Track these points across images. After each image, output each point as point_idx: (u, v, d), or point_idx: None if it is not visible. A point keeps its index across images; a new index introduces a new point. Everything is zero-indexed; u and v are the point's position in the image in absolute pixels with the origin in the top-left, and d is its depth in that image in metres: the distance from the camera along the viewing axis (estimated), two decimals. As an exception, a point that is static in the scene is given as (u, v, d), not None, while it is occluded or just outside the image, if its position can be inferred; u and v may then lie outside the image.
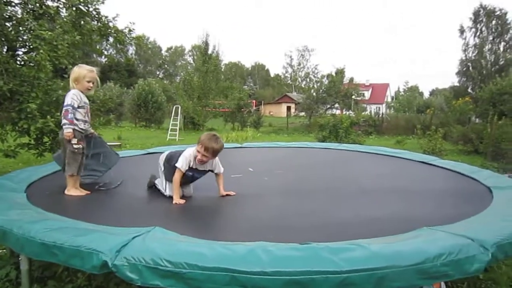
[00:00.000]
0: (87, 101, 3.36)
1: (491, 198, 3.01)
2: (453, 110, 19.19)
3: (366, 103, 38.98)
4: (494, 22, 31.49)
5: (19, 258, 2.17)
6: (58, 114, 6.10)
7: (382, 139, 17.84)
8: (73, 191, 3.21)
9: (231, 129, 21.71)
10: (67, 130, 3.15)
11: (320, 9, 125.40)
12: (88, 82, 3.27)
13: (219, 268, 1.59)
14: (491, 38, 31.67)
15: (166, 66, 76.58)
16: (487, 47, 31.81)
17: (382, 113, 24.53)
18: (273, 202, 3.13)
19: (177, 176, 3.00)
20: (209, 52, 22.28)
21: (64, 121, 3.18)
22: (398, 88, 68.32)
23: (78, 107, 3.22)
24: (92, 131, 3.63)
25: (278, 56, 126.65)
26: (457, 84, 33.95)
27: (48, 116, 5.83)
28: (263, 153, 5.92)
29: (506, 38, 31.56)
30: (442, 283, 2.44)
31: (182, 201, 3.00)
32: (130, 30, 8.43)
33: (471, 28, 32.30)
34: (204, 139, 2.98)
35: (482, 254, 1.85)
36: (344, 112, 26.14)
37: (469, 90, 31.76)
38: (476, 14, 31.84)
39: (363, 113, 22.38)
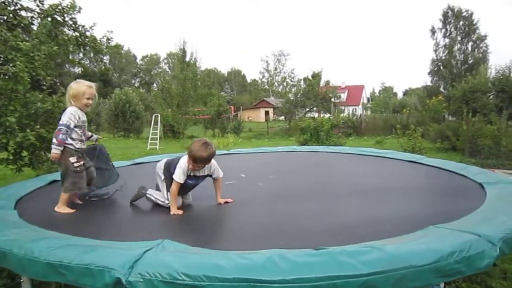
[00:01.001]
0: (85, 119, 3.21)
1: (485, 193, 3.08)
2: (428, 109, 19.76)
3: (343, 105, 39.58)
4: (461, 22, 32.67)
5: (21, 280, 2.06)
6: (38, 127, 5.92)
7: (362, 140, 18.14)
8: (63, 208, 3.06)
9: (212, 136, 21.62)
10: (54, 151, 3.02)
11: (294, 14, 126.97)
12: (88, 99, 3.13)
13: (239, 278, 1.56)
14: (459, 38, 32.82)
15: (141, 74, 75.65)
16: (456, 47, 32.94)
17: (361, 114, 24.95)
18: (273, 207, 3.11)
19: (174, 188, 2.93)
20: (187, 59, 22.14)
21: (53, 140, 3.03)
22: (373, 89, 69.79)
23: (75, 126, 3.08)
24: (97, 143, 3.55)
25: (254, 61, 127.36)
26: (430, 84, 34.98)
27: (28, 130, 5.64)
28: (252, 159, 5.90)
29: (473, 38, 32.77)
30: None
31: (180, 212, 2.94)
32: (108, 39, 8.30)
33: (441, 29, 33.43)
34: (193, 149, 2.89)
35: (490, 250, 1.88)
36: (322, 115, 26.48)
37: (441, 89, 32.75)
38: (445, 15, 32.98)
39: (341, 115, 22.72)
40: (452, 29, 33.04)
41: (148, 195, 3.22)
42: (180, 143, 17.66)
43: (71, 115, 3.06)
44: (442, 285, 2.61)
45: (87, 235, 2.21)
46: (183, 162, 2.99)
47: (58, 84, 9.93)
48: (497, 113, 13.98)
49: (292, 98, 26.41)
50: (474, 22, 32.55)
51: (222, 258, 1.70)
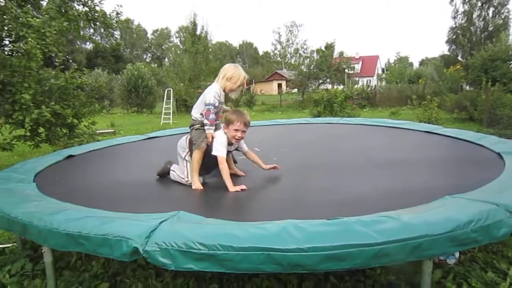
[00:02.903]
0: (223, 100, 3.13)
1: (503, 163, 3.01)
2: (445, 79, 19.25)
3: (357, 76, 38.89)
4: (482, -13, 31.26)
5: (42, 251, 2.13)
6: (53, 103, 5.99)
7: (376, 111, 17.89)
8: (198, 184, 2.99)
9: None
10: (209, 131, 2.96)
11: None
12: (238, 87, 3.06)
13: (254, 247, 1.58)
14: (480, 4, 31.49)
15: (153, 49, 75.30)
16: (476, 13, 31.66)
17: (375, 85, 24.49)
18: (288, 180, 3.10)
19: (224, 164, 2.87)
20: (198, 32, 21.86)
21: (205, 121, 2.96)
22: (388, 60, 68.15)
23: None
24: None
25: (266, 33, 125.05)
26: (447, 53, 33.95)
27: (43, 106, 5.71)
28: (265, 132, 5.86)
29: (495, 3, 31.39)
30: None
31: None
32: (117, 14, 8.22)
33: (460, -6, 32.05)
34: (238, 116, 2.92)
35: (508, 219, 1.86)
36: (335, 87, 26.10)
37: (459, 58, 31.79)
38: (465, -20, 31.55)
39: (355, 87, 22.35)
40: (472, -6, 31.67)
41: (171, 171, 3.19)
42: (193, 117, 17.67)
43: (216, 93, 2.97)
44: (457, 254, 2.61)
45: (103, 207, 2.25)
46: (222, 138, 2.94)
47: (71, 61, 9.96)
48: (518, 82, 13.56)
49: (305, 70, 25.99)
50: (496, -14, 31.13)
51: (237, 228, 1.72)
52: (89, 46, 44.32)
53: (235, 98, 23.08)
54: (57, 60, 6.74)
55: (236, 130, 2.93)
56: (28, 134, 5.98)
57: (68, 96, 6.61)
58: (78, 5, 7.65)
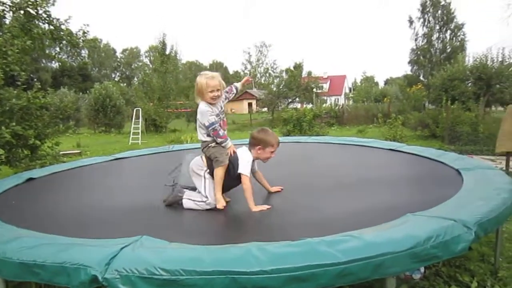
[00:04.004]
0: (218, 110, 2.99)
1: (461, 179, 3.13)
2: (408, 97, 20.03)
3: (326, 95, 39.80)
4: (439, 11, 33.13)
5: (-5, 282, 2.01)
6: (14, 124, 5.76)
7: (344, 130, 18.29)
8: (223, 202, 2.90)
9: (194, 129, 21.45)
10: (229, 145, 2.94)
11: (275, 4, 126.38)
12: (211, 92, 2.88)
13: (218, 271, 1.55)
14: (438, 27, 33.31)
15: (122, 68, 74.40)
16: (435, 35, 33.44)
17: (343, 104, 25.13)
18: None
19: (249, 183, 2.83)
20: (167, 52, 21.83)
21: (219, 140, 2.91)
22: (355, 79, 70.37)
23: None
24: None
25: (236, 53, 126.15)
26: (410, 73, 35.47)
27: (3, 127, 5.49)
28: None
29: (452, 27, 33.29)
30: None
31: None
32: (84, 32, 8.11)
33: (419, 18, 33.84)
34: (274, 138, 2.99)
35: (466, 234, 1.92)
36: (304, 106, 26.58)
37: (421, 77, 33.26)
38: (423, 4, 33.39)
39: (324, 105, 22.85)
40: (431, 18, 33.50)
41: (186, 199, 2.94)
42: (162, 137, 17.48)
43: (207, 111, 2.89)
44: (422, 269, 2.67)
45: (62, 233, 2.16)
46: (248, 156, 2.94)
47: (35, 79, 9.68)
48: (475, 100, 14.27)
49: (274, 89, 26.38)
50: (452, 11, 33.08)
51: (200, 251, 1.69)
52: (55, 64, 43.30)
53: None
54: (19, 79, 6.52)
55: (272, 152, 2.98)
56: (-14, 156, 5.71)
57: (31, 116, 6.38)
58: (43, 23, 7.51)
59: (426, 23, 33.64)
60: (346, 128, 18.84)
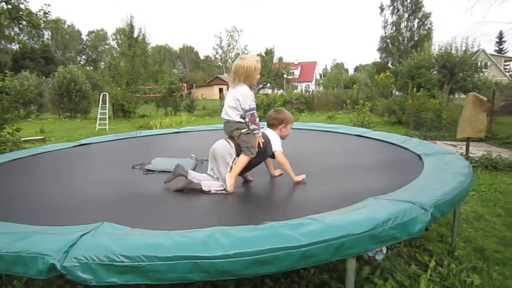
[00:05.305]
0: None
1: (422, 164, 3.25)
2: (377, 84, 20.46)
3: (297, 82, 40.01)
4: (408, 0, 33.79)
5: None
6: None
7: (314, 116, 18.50)
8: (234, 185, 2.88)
9: (164, 114, 21.11)
10: (259, 135, 2.97)
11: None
12: (258, 75, 2.96)
13: (180, 256, 1.54)
14: (406, 15, 34.00)
15: (87, 51, 71.70)
16: (403, 24, 34.15)
17: (313, 90, 25.34)
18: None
19: (285, 158, 3.04)
20: (135, 35, 21.15)
21: (253, 126, 2.92)
22: (325, 66, 71.04)
23: None
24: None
25: (207, 37, 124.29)
26: (379, 60, 36.18)
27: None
28: (202, 137, 5.80)
29: (419, 16, 34.07)
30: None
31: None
32: (45, 13, 7.75)
33: (389, 6, 34.40)
34: (286, 115, 3.23)
35: (423, 215, 2.00)
36: (275, 92, 26.63)
37: (390, 65, 34.02)
38: (393, -8, 33.96)
39: (294, 91, 22.98)
40: (400, 6, 34.12)
41: (205, 188, 2.87)
42: (131, 122, 17.09)
43: (252, 96, 2.94)
44: (384, 250, 2.77)
45: (20, 221, 2.09)
46: (277, 135, 3.15)
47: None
48: (439, 88, 14.74)
49: (245, 75, 26.22)
50: (420, 0, 33.79)
51: (162, 237, 1.67)
52: (15, 46, 41.15)
53: (177, 102, 22.71)
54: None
55: (288, 127, 3.23)
56: None
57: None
58: (0, 2, 7.10)
59: (395, 11, 34.25)
60: (316, 114, 19.06)
